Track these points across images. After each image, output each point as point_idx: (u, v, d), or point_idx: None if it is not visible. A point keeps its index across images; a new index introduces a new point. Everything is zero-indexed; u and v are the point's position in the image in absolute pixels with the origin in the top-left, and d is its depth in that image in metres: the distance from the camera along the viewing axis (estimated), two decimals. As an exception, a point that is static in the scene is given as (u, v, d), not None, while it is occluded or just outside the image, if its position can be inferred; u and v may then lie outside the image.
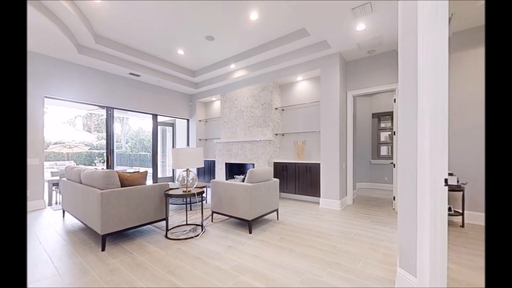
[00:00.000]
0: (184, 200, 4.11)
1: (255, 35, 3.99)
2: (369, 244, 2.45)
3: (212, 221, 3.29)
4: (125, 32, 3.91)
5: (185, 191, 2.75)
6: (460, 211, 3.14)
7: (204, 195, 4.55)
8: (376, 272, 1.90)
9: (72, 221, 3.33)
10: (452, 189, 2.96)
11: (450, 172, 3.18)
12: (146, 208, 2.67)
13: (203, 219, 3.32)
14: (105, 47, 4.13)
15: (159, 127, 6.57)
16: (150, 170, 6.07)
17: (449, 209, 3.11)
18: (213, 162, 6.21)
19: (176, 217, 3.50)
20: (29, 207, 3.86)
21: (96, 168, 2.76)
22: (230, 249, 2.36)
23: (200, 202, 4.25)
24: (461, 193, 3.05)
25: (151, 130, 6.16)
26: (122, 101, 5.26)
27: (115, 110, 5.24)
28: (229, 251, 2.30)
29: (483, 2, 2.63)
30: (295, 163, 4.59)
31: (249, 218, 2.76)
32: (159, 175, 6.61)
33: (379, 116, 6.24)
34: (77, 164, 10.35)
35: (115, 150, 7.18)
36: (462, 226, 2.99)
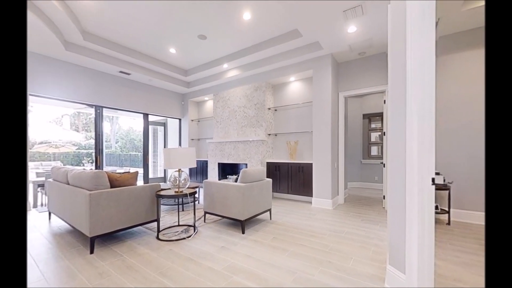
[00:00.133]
0: (176, 200, 4.05)
1: (248, 35, 3.99)
2: (360, 243, 2.50)
3: (204, 221, 3.26)
4: (114, 29, 3.82)
5: (177, 192, 2.72)
6: (446, 209, 3.25)
7: (196, 195, 4.52)
8: (366, 269, 1.94)
9: (58, 223, 3.23)
10: (438, 188, 3.06)
11: (437, 171, 3.29)
12: (136, 209, 2.62)
13: (196, 219, 3.29)
14: (94, 44, 4.02)
15: (150, 127, 6.46)
16: (141, 171, 5.96)
17: (436, 207, 3.21)
18: (206, 162, 6.16)
19: (168, 218, 3.46)
20: (12, 210, 3.71)
21: (84, 169, 2.68)
22: (223, 249, 2.35)
23: (193, 203, 4.20)
24: (447, 191, 3.16)
25: (142, 129, 6.04)
26: (111, 100, 5.13)
27: (104, 109, 5.11)
28: (222, 252, 2.29)
29: (469, 8, 2.73)
30: (288, 163, 4.62)
31: (242, 218, 2.76)
32: (150, 175, 6.49)
33: (369, 117, 6.37)
34: (64, 165, 10.02)
35: (105, 150, 7.00)
36: (448, 223, 3.10)
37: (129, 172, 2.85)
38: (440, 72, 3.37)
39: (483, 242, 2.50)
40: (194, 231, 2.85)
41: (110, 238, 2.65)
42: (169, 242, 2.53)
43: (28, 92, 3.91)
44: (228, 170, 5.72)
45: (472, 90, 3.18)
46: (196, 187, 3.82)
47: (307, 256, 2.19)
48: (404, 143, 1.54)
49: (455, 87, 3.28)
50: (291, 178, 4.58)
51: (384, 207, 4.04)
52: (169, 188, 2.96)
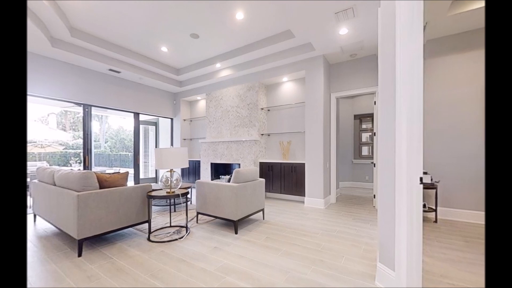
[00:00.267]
0: (168, 201, 4.00)
1: (241, 35, 3.98)
2: (351, 241, 2.55)
3: (197, 222, 3.23)
4: (104, 26, 3.72)
5: (169, 192, 2.68)
6: (434, 207, 3.35)
7: (188, 196, 4.47)
8: (357, 267, 1.97)
9: (44, 226, 3.11)
10: (426, 187, 3.15)
11: (424, 171, 3.39)
12: (127, 210, 2.56)
13: (188, 220, 3.26)
14: (82, 41, 3.91)
15: (141, 126, 6.34)
16: (131, 171, 5.84)
17: (424, 205, 3.31)
18: (198, 162, 6.10)
19: (159, 219, 3.40)
20: (-6, 212, 3.55)
21: (71, 169, 2.60)
22: (215, 250, 2.33)
23: (185, 203, 4.16)
24: (435, 190, 3.26)
25: (132, 129, 5.92)
26: (100, 99, 5.00)
27: (93, 107, 4.97)
28: (214, 252, 2.27)
29: (455, 13, 2.82)
30: (281, 163, 4.65)
31: (235, 219, 2.75)
32: (141, 176, 6.38)
33: (360, 118, 6.49)
34: (50, 165, 9.68)
35: (93, 150, 6.82)
36: (435, 221, 3.20)
37: (119, 172, 2.79)
38: (428, 75, 3.47)
39: (468, 239, 2.60)
40: (187, 232, 2.82)
41: (99, 240, 2.58)
42: (160, 244, 2.49)
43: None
44: (221, 170, 5.69)
45: (457, 93, 3.29)
46: (188, 188, 3.78)
47: (299, 255, 2.21)
48: (393, 143, 1.58)
49: (442, 89, 3.39)
50: (284, 178, 4.60)
51: (374, 206, 4.12)
52: (161, 189, 2.92)
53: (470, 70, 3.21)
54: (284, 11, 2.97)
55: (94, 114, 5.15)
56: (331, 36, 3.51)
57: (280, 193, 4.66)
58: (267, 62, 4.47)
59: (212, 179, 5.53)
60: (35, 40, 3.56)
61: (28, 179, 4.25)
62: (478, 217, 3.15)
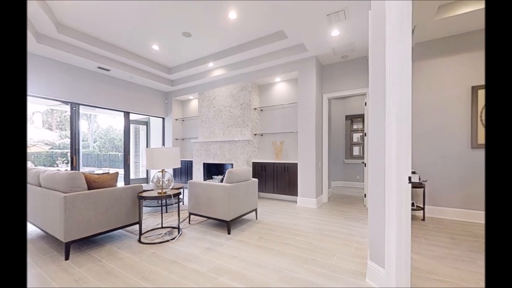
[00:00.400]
0: (159, 202, 3.93)
1: (234, 35, 3.97)
2: (343, 240, 2.58)
3: (189, 223, 3.19)
4: (93, 22, 3.62)
5: (160, 193, 2.64)
6: (422, 206, 3.45)
7: (180, 196, 4.41)
8: (349, 266, 2.00)
9: (29, 228, 3.00)
10: (414, 186, 3.24)
11: (413, 170, 3.48)
12: (117, 211, 2.51)
13: (180, 221, 3.21)
14: (69, 37, 3.79)
15: (131, 126, 6.20)
16: (121, 171, 5.71)
17: (412, 204, 3.41)
18: (191, 162, 6.04)
19: (150, 220, 3.34)
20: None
21: (58, 170, 2.52)
22: (208, 251, 2.31)
23: (177, 204, 4.10)
24: (422, 189, 3.36)
25: (122, 128, 5.79)
26: (89, 97, 4.86)
27: (81, 106, 4.83)
28: (207, 253, 2.26)
29: (442, 17, 2.92)
30: (274, 163, 4.66)
31: (228, 219, 2.74)
32: (132, 176, 6.25)
33: (351, 118, 6.60)
34: (35, 165, 9.33)
35: (81, 150, 6.62)
36: (423, 219, 3.29)
37: (108, 173, 2.72)
38: (416, 77, 3.57)
39: (454, 236, 2.69)
40: (179, 233, 2.79)
41: (88, 242, 2.51)
42: (151, 245, 2.45)
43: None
44: (213, 170, 5.65)
45: (444, 95, 3.40)
46: (180, 188, 3.72)
47: (292, 254, 2.22)
48: (383, 143, 1.61)
49: (430, 91, 3.50)
50: (277, 178, 4.62)
51: (365, 205, 4.20)
52: (152, 189, 2.87)
53: (457, 73, 3.33)
54: (277, 11, 2.98)
55: (82, 113, 4.99)
56: (323, 37, 3.55)
57: (273, 193, 4.68)
58: (260, 62, 4.47)
59: (204, 179, 5.48)
60: (19, 35, 3.41)
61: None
62: (463, 215, 3.27)
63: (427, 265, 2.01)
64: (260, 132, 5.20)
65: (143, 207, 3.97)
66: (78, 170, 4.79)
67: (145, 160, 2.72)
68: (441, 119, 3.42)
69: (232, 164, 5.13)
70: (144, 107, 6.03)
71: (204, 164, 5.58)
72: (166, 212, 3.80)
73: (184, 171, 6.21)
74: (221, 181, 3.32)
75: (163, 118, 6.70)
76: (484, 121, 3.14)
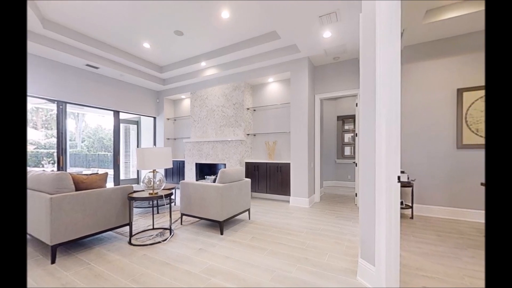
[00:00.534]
0: (151, 203, 3.87)
1: (227, 34, 3.95)
2: (335, 239, 2.62)
3: (181, 224, 3.16)
4: (80, 18, 3.52)
5: (151, 194, 2.59)
6: (410, 204, 3.55)
7: (172, 197, 4.35)
8: (340, 264, 2.03)
9: (12, 232, 2.87)
10: (403, 185, 3.33)
11: (402, 170, 3.58)
12: (106, 213, 2.44)
13: (172, 222, 3.16)
14: (56, 33, 3.66)
15: (121, 125, 6.07)
16: (111, 172, 5.58)
17: (401, 203, 3.50)
18: (183, 162, 5.97)
19: (141, 221, 3.28)
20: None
21: (44, 170, 2.43)
22: (200, 251, 2.29)
23: (168, 205, 4.05)
24: (411, 188, 3.45)
25: (112, 128, 5.65)
26: (77, 95, 4.72)
27: (68, 104, 4.68)
28: (199, 254, 2.24)
29: (429, 22, 3.01)
30: (266, 163, 4.67)
31: (221, 219, 2.73)
32: (122, 177, 6.11)
33: (343, 119, 6.71)
34: (19, 166, 8.93)
35: (68, 150, 6.42)
36: (412, 217, 3.39)
37: (97, 173, 2.65)
38: (405, 79, 3.67)
39: (441, 233, 2.78)
40: (170, 234, 2.75)
41: (75, 245, 2.44)
42: (142, 247, 2.40)
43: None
44: (206, 170, 5.61)
45: (432, 97, 3.51)
46: (172, 189, 3.67)
47: (285, 254, 2.24)
48: (373, 143, 1.65)
49: (418, 93, 3.60)
50: (270, 178, 4.63)
51: (356, 204, 4.28)
52: (143, 190, 2.81)
53: (443, 76, 3.44)
54: (270, 12, 2.99)
55: (69, 112, 4.84)
56: (316, 38, 3.59)
57: (266, 192, 4.69)
58: (253, 62, 4.47)
59: (197, 180, 5.43)
60: (2, 30, 3.27)
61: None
62: (449, 213, 3.38)
63: (415, 262, 2.06)
64: (253, 132, 5.20)
65: (134, 208, 3.89)
66: (65, 170, 4.64)
67: (136, 160, 2.66)
68: (428, 120, 3.53)
69: (225, 164, 5.11)
70: (135, 106, 5.91)
71: (196, 164, 5.53)
72: (158, 213, 3.74)
73: (176, 171, 6.13)
74: (214, 181, 3.30)
75: (155, 118, 6.59)
76: (468, 123, 3.27)
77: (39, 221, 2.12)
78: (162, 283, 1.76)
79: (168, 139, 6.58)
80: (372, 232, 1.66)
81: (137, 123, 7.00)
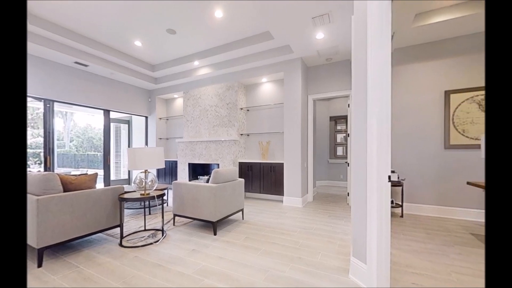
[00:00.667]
0: (142, 204, 3.80)
1: (220, 33, 3.93)
2: (327, 238, 2.65)
3: (174, 224, 3.12)
4: (69, 14, 3.42)
5: (143, 194, 2.55)
6: (400, 203, 3.63)
7: (165, 197, 4.29)
8: (333, 263, 2.06)
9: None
10: (393, 184, 3.40)
11: (392, 169, 3.66)
12: (96, 214, 2.39)
13: (164, 223, 3.12)
14: (43, 30, 3.54)
15: (112, 124, 5.93)
16: (101, 172, 5.44)
17: (392, 202, 3.57)
18: (175, 162, 5.89)
19: (133, 222, 3.22)
20: None
21: (30, 171, 2.35)
22: (193, 252, 2.27)
23: (161, 206, 3.99)
24: (401, 187, 3.53)
25: (102, 127, 5.52)
26: (65, 94, 4.58)
27: (55, 103, 4.54)
28: (192, 255, 2.21)
29: (418, 25, 3.09)
30: (260, 163, 4.68)
31: (214, 220, 2.71)
32: (112, 177, 5.97)
33: (335, 119, 6.80)
34: (3, 167, 8.60)
35: (56, 150, 6.22)
36: (401, 216, 3.47)
37: (86, 174, 2.58)
38: (395, 81, 3.75)
39: (429, 231, 2.86)
40: (163, 235, 2.71)
41: (63, 248, 2.37)
42: (134, 249, 2.36)
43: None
44: (199, 170, 5.56)
45: (420, 98, 3.61)
46: (164, 189, 3.63)
47: (278, 253, 2.24)
48: (365, 144, 1.68)
49: (407, 95, 3.69)
50: (263, 178, 4.64)
51: (348, 203, 4.34)
52: (134, 191, 2.76)
53: (431, 78, 3.54)
54: (264, 12, 2.99)
55: (57, 110, 4.69)
56: (309, 39, 3.62)
57: (260, 192, 4.69)
58: (247, 62, 4.47)
59: (190, 180, 5.38)
60: (-15, 25, 3.14)
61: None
62: (437, 211, 3.48)
63: (405, 259, 2.12)
64: (246, 132, 5.19)
65: (125, 209, 3.82)
66: (53, 171, 4.50)
67: (127, 160, 2.61)
68: (417, 121, 3.62)
69: (218, 164, 5.08)
70: (126, 105, 5.80)
71: (189, 164, 5.48)
72: (150, 214, 3.68)
73: (169, 171, 6.05)
74: (207, 181, 3.27)
75: (146, 117, 6.48)
76: (455, 124, 3.37)
77: (25, 224, 2.05)
78: (154, 285, 1.73)
79: (160, 138, 6.49)
80: (363, 230, 1.69)
81: (128, 122, 6.86)
